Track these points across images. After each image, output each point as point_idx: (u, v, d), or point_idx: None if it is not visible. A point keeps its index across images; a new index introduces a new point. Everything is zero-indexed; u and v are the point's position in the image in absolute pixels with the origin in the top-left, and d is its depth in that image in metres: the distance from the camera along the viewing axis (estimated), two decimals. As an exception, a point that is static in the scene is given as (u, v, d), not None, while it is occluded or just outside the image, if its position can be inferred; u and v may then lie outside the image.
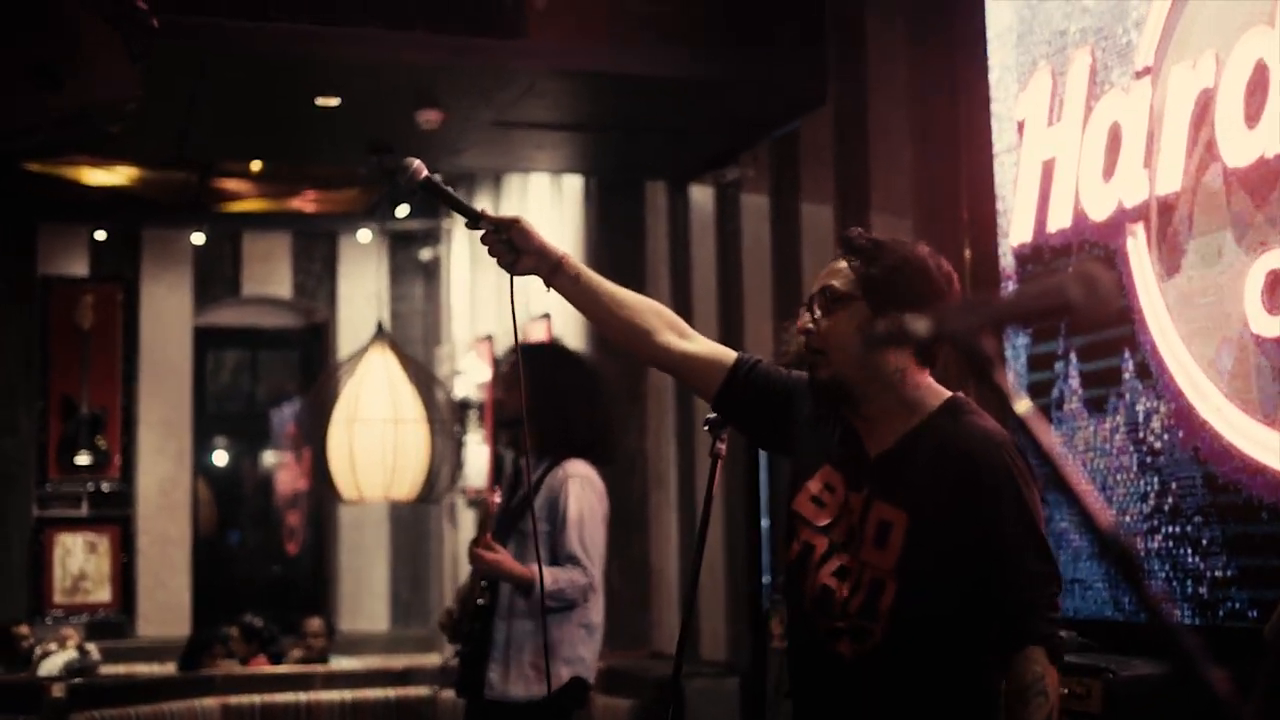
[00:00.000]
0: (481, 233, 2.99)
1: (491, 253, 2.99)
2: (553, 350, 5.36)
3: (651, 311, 3.07)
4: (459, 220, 10.01)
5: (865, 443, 2.88)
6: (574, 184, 8.73)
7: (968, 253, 5.46)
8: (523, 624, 4.96)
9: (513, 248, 2.97)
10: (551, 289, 3.03)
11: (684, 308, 7.84)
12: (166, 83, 5.95)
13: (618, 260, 8.31)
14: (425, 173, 2.94)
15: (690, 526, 7.61)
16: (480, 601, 4.98)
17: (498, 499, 5.06)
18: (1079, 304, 1.63)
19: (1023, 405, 1.58)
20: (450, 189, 3.01)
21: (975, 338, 1.59)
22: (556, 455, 5.11)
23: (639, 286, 8.08)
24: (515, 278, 3.02)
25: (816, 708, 2.92)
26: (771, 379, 3.05)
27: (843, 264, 2.88)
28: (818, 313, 2.87)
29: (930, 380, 2.88)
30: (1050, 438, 1.57)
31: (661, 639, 7.93)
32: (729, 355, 3.07)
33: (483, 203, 10.49)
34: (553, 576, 4.92)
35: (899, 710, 2.79)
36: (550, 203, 9.14)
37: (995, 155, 5.30)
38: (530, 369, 5.08)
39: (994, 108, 5.32)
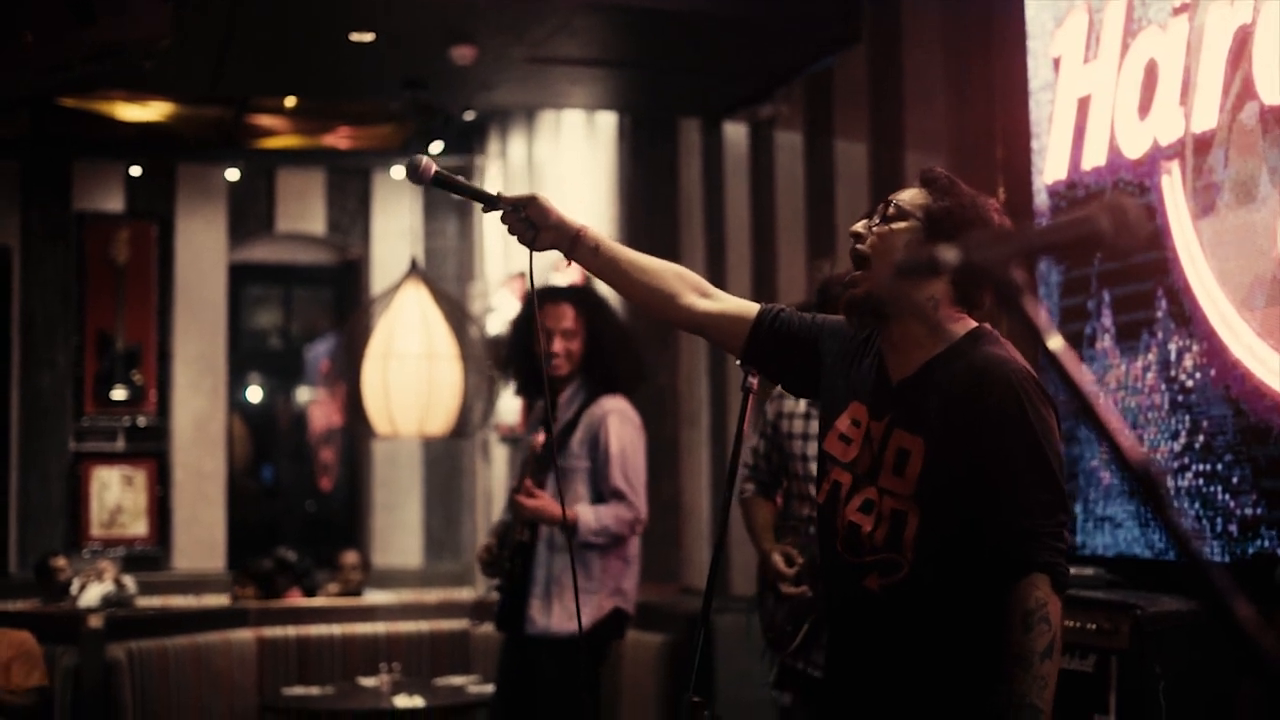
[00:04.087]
0: (500, 213, 3.01)
1: (511, 231, 3.03)
2: (581, 292, 5.38)
3: (673, 274, 3.10)
4: (494, 157, 10.03)
5: (889, 370, 2.92)
6: (607, 121, 8.71)
7: (1002, 190, 5.44)
8: (564, 560, 5.00)
9: (531, 225, 3.00)
10: (572, 261, 3.05)
11: (717, 246, 7.85)
12: (200, 18, 5.97)
13: (651, 198, 8.31)
14: (435, 168, 2.96)
15: (722, 463, 7.64)
16: (520, 538, 5.02)
17: (540, 438, 5.10)
18: (1109, 234, 1.64)
19: (1054, 340, 1.59)
20: (462, 179, 3.03)
21: (1005, 268, 1.61)
22: (591, 391, 5.14)
23: (672, 225, 8.18)
24: (534, 253, 3.04)
25: (850, 644, 2.96)
26: (796, 326, 3.09)
27: (915, 190, 2.94)
28: (876, 220, 2.93)
29: (962, 314, 2.90)
30: (1081, 372, 1.58)
31: (692, 575, 7.98)
32: (752, 309, 3.10)
33: (516, 142, 10.49)
34: (596, 515, 4.96)
35: (929, 641, 2.83)
36: (584, 140, 9.12)
37: (1031, 93, 5.28)
38: (596, 308, 5.15)
39: (1030, 45, 5.29)
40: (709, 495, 7.88)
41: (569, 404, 5.18)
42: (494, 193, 2.98)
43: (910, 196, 2.92)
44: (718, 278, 7.70)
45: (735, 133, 7.72)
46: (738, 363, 3.38)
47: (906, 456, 2.83)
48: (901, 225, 2.89)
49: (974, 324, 2.90)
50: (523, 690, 5.11)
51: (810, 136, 6.97)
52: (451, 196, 11.18)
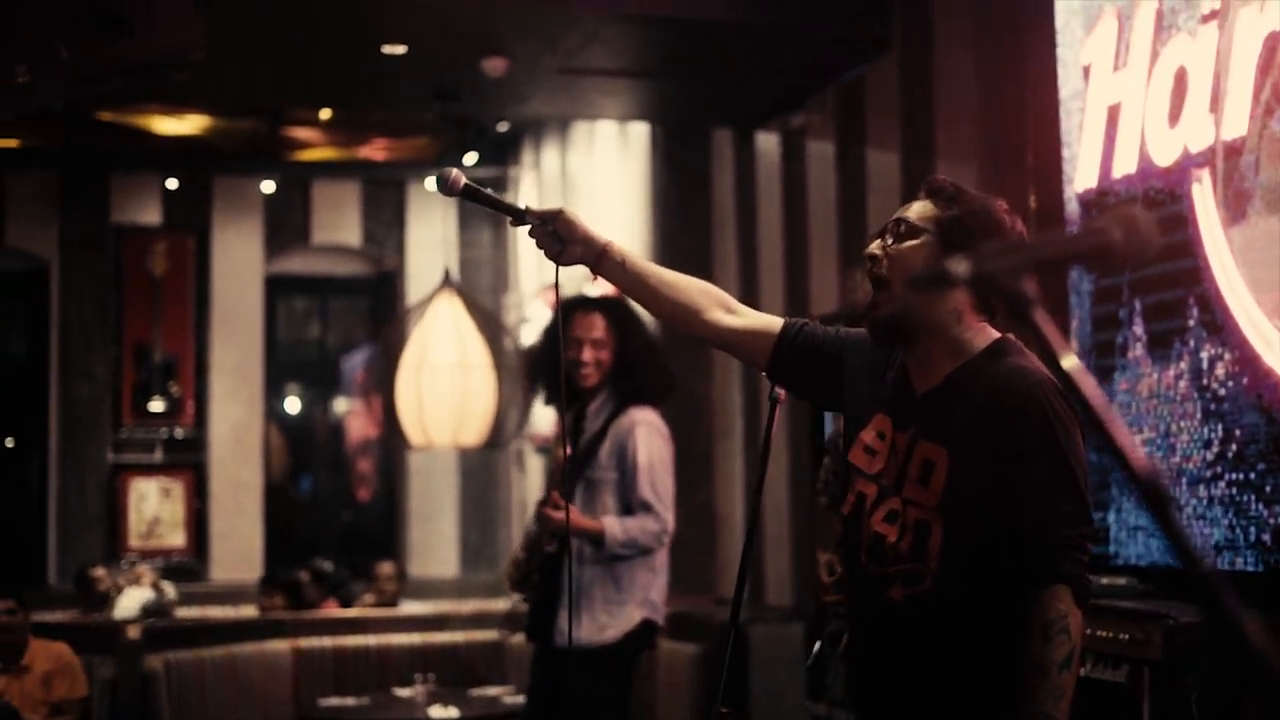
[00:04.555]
0: (528, 227, 3.03)
1: (539, 245, 3.04)
2: (612, 303, 5.38)
3: (699, 290, 3.11)
4: (528, 168, 10.05)
5: (914, 382, 2.93)
6: (640, 132, 8.73)
7: (1033, 199, 5.43)
8: (592, 571, 5.01)
9: (558, 239, 3.01)
10: (599, 276, 3.06)
11: (749, 256, 7.85)
12: (233, 31, 6.01)
13: (684, 209, 8.33)
14: (464, 181, 2.97)
15: (763, 474, 7.62)
16: (549, 549, 5.03)
17: (562, 457, 5.11)
18: (1120, 245, 1.64)
19: (1065, 351, 1.59)
20: (490, 191, 3.04)
21: (1016, 280, 1.60)
22: (620, 402, 5.14)
23: (705, 235, 8.18)
24: (561, 268, 3.05)
25: (873, 657, 2.96)
26: (820, 339, 3.10)
27: (922, 202, 2.93)
28: (889, 240, 2.92)
29: (984, 324, 2.90)
30: (1090, 383, 1.58)
31: (726, 585, 7.97)
32: (776, 324, 3.11)
33: (550, 153, 10.51)
34: (623, 527, 4.96)
35: (952, 652, 2.82)
36: (617, 151, 9.14)
37: (1061, 101, 5.26)
38: (626, 318, 5.16)
39: (1060, 53, 5.27)
40: (742, 505, 7.88)
41: (597, 415, 5.18)
42: (522, 206, 2.99)
43: (919, 210, 2.92)
44: (750, 288, 7.70)
45: (767, 142, 7.72)
46: (765, 373, 3.39)
47: (931, 468, 2.83)
48: (915, 242, 2.89)
49: (996, 335, 2.90)
50: (553, 701, 5.11)
51: (842, 146, 6.97)
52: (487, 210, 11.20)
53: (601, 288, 7.30)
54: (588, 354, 5.13)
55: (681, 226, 8.29)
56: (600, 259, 3.04)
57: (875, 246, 2.94)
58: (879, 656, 2.94)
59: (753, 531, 3.49)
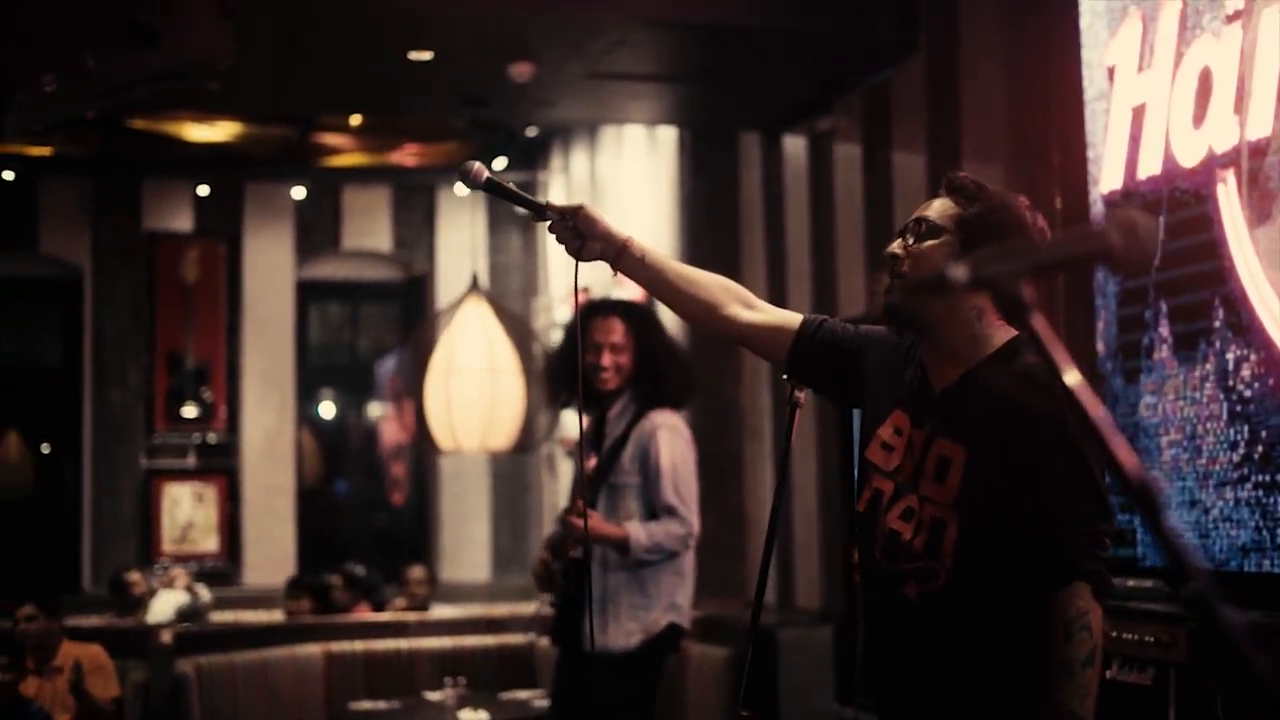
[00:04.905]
0: (549, 223, 3.04)
1: (559, 240, 3.06)
2: (631, 306, 5.39)
3: (718, 286, 3.12)
4: (557, 172, 10.06)
5: (932, 379, 2.93)
6: (668, 136, 8.75)
7: (1059, 201, 5.43)
8: (617, 576, 5.00)
9: (579, 234, 3.03)
10: (619, 272, 3.07)
11: (777, 259, 7.86)
12: (261, 38, 6.05)
13: (712, 212, 8.34)
14: (486, 174, 2.99)
15: (786, 476, 7.63)
16: (574, 555, 5.03)
17: (592, 463, 5.11)
18: (1119, 249, 1.65)
19: (1064, 366, 1.59)
20: (512, 186, 3.05)
21: (1013, 284, 1.61)
22: (641, 406, 5.14)
23: (733, 238, 8.20)
24: (581, 263, 3.06)
25: (887, 653, 2.97)
26: (839, 336, 3.11)
27: (942, 200, 2.93)
28: (909, 240, 2.92)
29: (1004, 322, 2.90)
30: (1081, 385, 1.59)
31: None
32: (794, 320, 3.12)
33: (579, 157, 10.54)
34: (648, 532, 4.96)
35: (968, 649, 2.83)
36: (645, 155, 9.16)
37: (1086, 102, 5.26)
38: (644, 322, 5.17)
39: (1084, 54, 5.27)
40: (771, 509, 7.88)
41: (619, 419, 5.18)
42: (542, 202, 3.01)
43: (939, 209, 2.92)
44: (778, 290, 7.71)
45: (795, 145, 7.73)
46: (784, 377, 3.39)
47: (947, 465, 2.83)
48: (936, 241, 2.89)
49: (1016, 333, 2.90)
50: (577, 706, 5.12)
51: (868, 148, 6.97)
52: (516, 212, 11.24)
53: (627, 290, 7.34)
54: (607, 358, 5.14)
55: (709, 229, 8.30)
56: (620, 254, 3.06)
57: (896, 246, 2.94)
58: (894, 654, 2.94)
59: (773, 535, 3.50)
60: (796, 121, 7.63)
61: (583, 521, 4.82)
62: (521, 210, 3.08)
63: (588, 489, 5.05)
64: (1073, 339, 5.27)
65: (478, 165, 2.99)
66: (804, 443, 7.42)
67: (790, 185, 7.77)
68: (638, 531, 4.97)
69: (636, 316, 5.24)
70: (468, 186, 2.96)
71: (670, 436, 5.09)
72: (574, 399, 5.43)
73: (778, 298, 7.60)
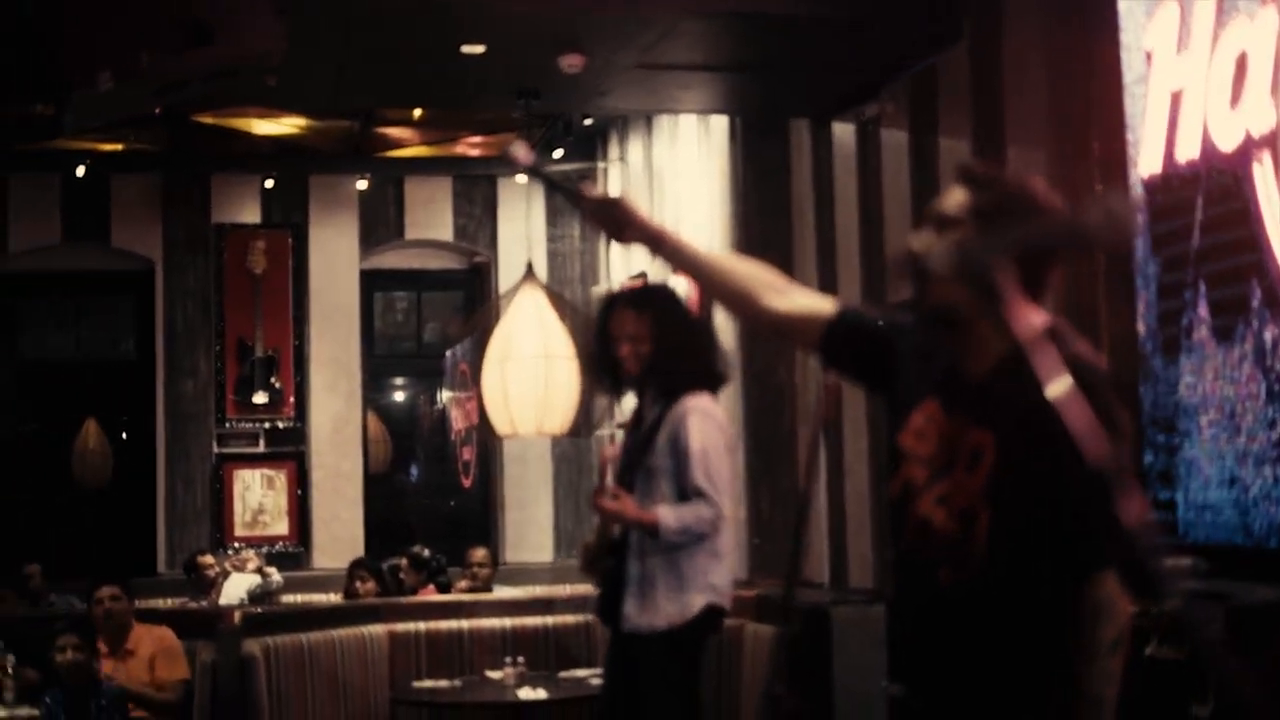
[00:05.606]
0: (587, 208, 3.12)
1: (598, 225, 3.13)
2: (672, 290, 5.46)
3: (753, 274, 3.14)
4: (614, 162, 10.16)
5: (964, 368, 2.92)
6: (720, 125, 8.83)
7: (1099, 184, 5.46)
8: (654, 559, 5.08)
9: (616, 223, 3.11)
10: (658, 257, 3.16)
11: (828, 244, 7.93)
12: (316, 34, 6.17)
13: (763, 199, 8.42)
14: (528, 159, 3.05)
15: (837, 457, 7.71)
16: (613, 537, 5.13)
17: (614, 449, 5.19)
18: (1098, 232, 1.71)
19: (1030, 336, 1.66)
20: (552, 172, 3.13)
21: (989, 271, 1.68)
22: (674, 392, 5.21)
23: (785, 224, 8.27)
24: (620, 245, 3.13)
25: (919, 639, 2.99)
26: (871, 323, 3.11)
27: (957, 190, 2.91)
28: (928, 233, 2.89)
29: (1033, 307, 2.90)
30: (1053, 370, 1.66)
31: (811, 568, 8.05)
32: (827, 308, 3.11)
33: (635, 146, 10.64)
34: (677, 515, 5.03)
35: (998, 636, 2.84)
36: (698, 143, 9.25)
37: (1125, 86, 5.30)
38: (655, 312, 5.25)
39: (1123, 38, 5.31)
40: (826, 489, 7.95)
41: (653, 404, 5.26)
42: (580, 190, 3.08)
43: (955, 200, 2.90)
44: (828, 276, 7.79)
45: (843, 132, 7.80)
46: (818, 359, 3.44)
47: (979, 453, 2.83)
48: (951, 235, 2.84)
49: (1045, 320, 2.85)
50: (625, 684, 5.22)
51: (915, 134, 7.03)
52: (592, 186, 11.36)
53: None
54: (625, 348, 5.23)
55: (761, 217, 8.39)
56: (656, 243, 3.13)
57: (916, 240, 2.92)
58: (926, 639, 2.96)
59: (803, 516, 3.58)
60: (845, 108, 7.69)
61: (612, 503, 4.91)
62: (568, 196, 3.14)
63: (624, 471, 5.15)
64: (1113, 320, 5.31)
65: (521, 150, 3.06)
66: (855, 424, 7.49)
67: (840, 171, 7.84)
68: (667, 515, 5.04)
69: (650, 306, 5.31)
70: (522, 171, 3.02)
71: (701, 420, 5.14)
72: (612, 384, 5.52)
73: (827, 283, 7.69)
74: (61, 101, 4.05)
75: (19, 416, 11.75)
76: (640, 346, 5.23)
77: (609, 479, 5.11)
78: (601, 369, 5.42)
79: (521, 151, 3.06)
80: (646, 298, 5.47)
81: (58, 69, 4.00)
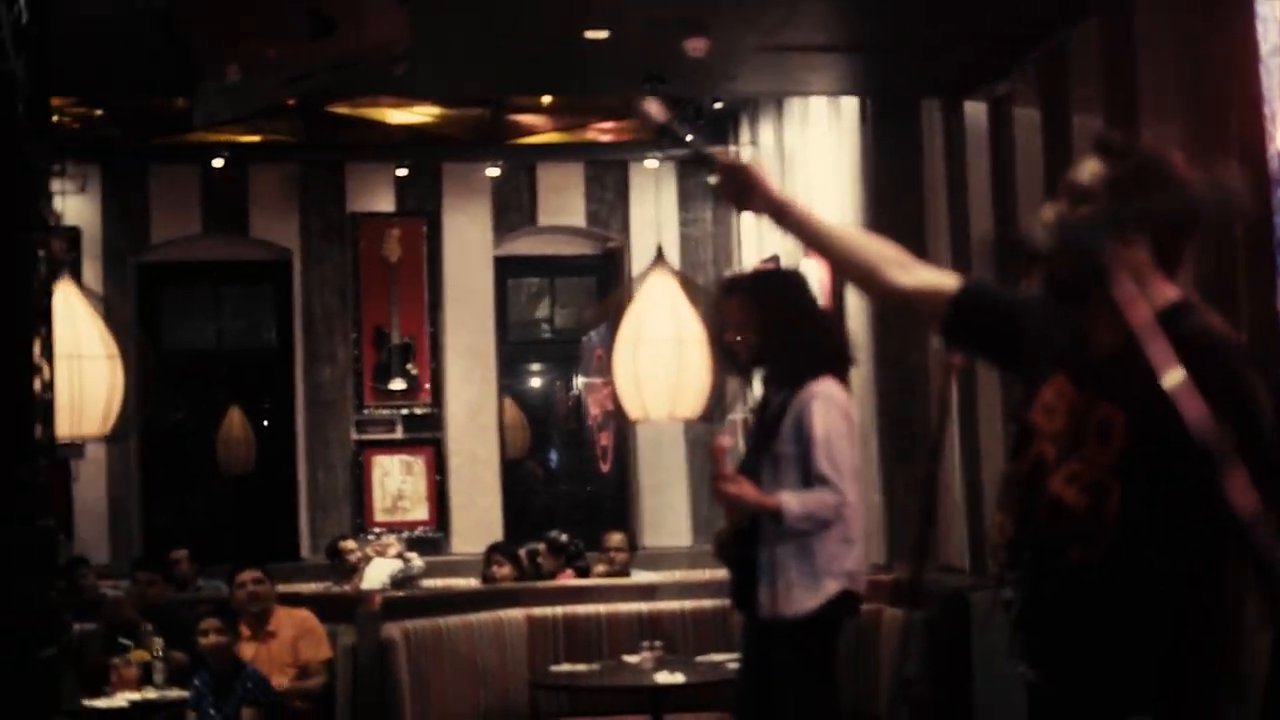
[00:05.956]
0: (713, 172, 3.10)
1: (723, 191, 3.09)
2: (783, 275, 5.43)
3: (876, 248, 3.10)
4: (745, 145, 10.14)
5: (1093, 342, 2.88)
6: (851, 106, 8.78)
7: (1236, 160, 5.33)
8: (783, 546, 5.06)
9: (742, 189, 3.08)
10: (781, 228, 3.13)
11: (960, 225, 7.85)
12: (438, 23, 6.21)
13: (895, 180, 8.36)
14: (661, 115, 3.04)
15: (972, 439, 7.64)
16: (743, 523, 5.12)
17: (727, 440, 5.18)
18: (1210, 207, 1.67)
19: (1139, 316, 1.64)
20: (684, 132, 3.09)
21: (1094, 248, 1.65)
22: (797, 378, 5.19)
23: (917, 205, 8.21)
24: (744, 213, 3.11)
25: (1049, 620, 2.93)
26: (997, 298, 3.07)
27: (1092, 161, 2.87)
28: (1063, 205, 2.86)
29: (1167, 282, 2.83)
30: (1163, 352, 1.64)
31: (950, 552, 7.99)
32: (951, 284, 3.08)
33: (766, 129, 10.61)
34: (799, 501, 5.01)
35: (1130, 614, 2.79)
36: (829, 125, 9.20)
37: (1261, 58, 5.17)
38: (768, 297, 5.23)
39: (1258, 8, 5.19)
40: (961, 473, 7.88)
41: (778, 391, 5.25)
42: (711, 153, 3.06)
43: (1090, 172, 2.85)
44: (961, 257, 7.72)
45: (975, 111, 7.71)
46: (940, 340, 3.41)
47: (1110, 428, 2.79)
48: (1085, 208, 2.80)
49: (1177, 293, 2.83)
50: (761, 670, 5.22)
51: (1047, 112, 6.93)
52: (707, 184, 11.31)
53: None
54: (733, 335, 5.24)
55: (892, 198, 8.32)
56: (781, 211, 3.10)
57: (1050, 212, 2.87)
58: (1056, 619, 2.90)
59: (929, 499, 3.55)
60: (976, 87, 7.60)
61: (732, 489, 4.90)
62: (698, 157, 3.10)
63: (752, 459, 5.14)
64: (1253, 297, 5.21)
65: (655, 105, 3.04)
66: (990, 409, 7.41)
67: (972, 151, 7.75)
68: (789, 501, 5.01)
69: (755, 293, 5.29)
70: (648, 125, 3.00)
71: (824, 406, 5.10)
72: (734, 371, 5.53)
73: (961, 265, 7.60)
74: (192, 95, 4.13)
75: (165, 405, 12.01)
76: (746, 334, 5.22)
77: (727, 466, 5.09)
78: (723, 355, 5.42)
79: (654, 107, 3.03)
80: (753, 285, 5.46)
81: (188, 63, 4.07)
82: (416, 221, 11.77)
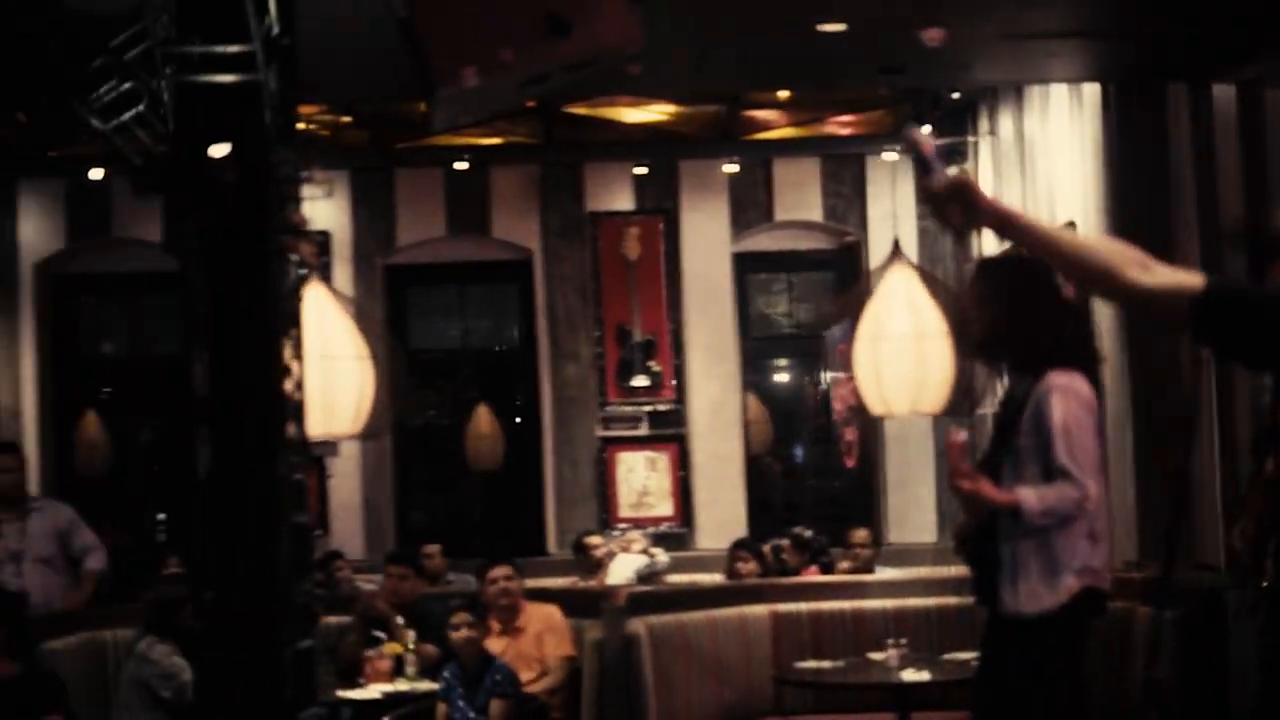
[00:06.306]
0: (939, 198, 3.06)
1: (940, 218, 3.06)
2: (1021, 263, 5.28)
3: (1110, 250, 2.99)
4: (984, 136, 9.97)
5: None
6: (1093, 93, 8.57)
7: None
8: (1025, 542, 4.95)
9: (968, 208, 3.04)
10: (1004, 239, 3.08)
11: (1208, 213, 7.63)
12: (673, 20, 6.25)
13: (1139, 170, 8.15)
14: (922, 141, 3.00)
15: (1230, 437, 7.41)
16: (983, 518, 5.03)
17: (961, 436, 5.05)
18: None
19: None
20: (935, 155, 3.03)
21: None
22: (1039, 368, 5.07)
23: (1162, 196, 8.01)
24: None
25: None
26: (1243, 298, 2.95)
27: None
28: None
29: None
30: None
31: (1203, 550, 7.77)
32: (1195, 282, 2.93)
33: (1005, 118, 10.44)
34: (1039, 496, 4.89)
35: None
36: (1070, 114, 9.01)
37: None
38: (1003, 284, 5.12)
39: None
40: (1219, 470, 7.65)
41: (1020, 383, 5.14)
42: (943, 172, 3.02)
43: None
44: (1210, 247, 7.50)
45: (1223, 94, 7.47)
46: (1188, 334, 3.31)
47: None
48: None
49: None
50: (1000, 668, 5.13)
51: (1302, 93, 6.70)
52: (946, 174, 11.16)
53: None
54: (973, 319, 5.15)
55: (1137, 187, 8.11)
56: (1006, 222, 3.06)
57: None
58: None
59: (1179, 496, 3.44)
60: (1224, 69, 7.36)
61: (969, 484, 4.81)
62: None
63: (994, 454, 5.05)
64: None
65: (914, 131, 3.03)
66: (1245, 403, 7.18)
67: (1220, 137, 7.51)
68: (1029, 496, 4.90)
69: (988, 278, 5.19)
70: (912, 151, 2.99)
71: (1062, 397, 4.97)
72: (979, 360, 5.44)
73: (1210, 258, 7.37)
74: (431, 99, 4.22)
75: (415, 404, 12.31)
76: (983, 317, 5.13)
77: (963, 462, 4.99)
78: (964, 341, 5.33)
79: (922, 138, 3.00)
80: (986, 270, 5.35)
81: (427, 68, 4.16)
82: (655, 219, 11.86)
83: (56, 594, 8.42)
